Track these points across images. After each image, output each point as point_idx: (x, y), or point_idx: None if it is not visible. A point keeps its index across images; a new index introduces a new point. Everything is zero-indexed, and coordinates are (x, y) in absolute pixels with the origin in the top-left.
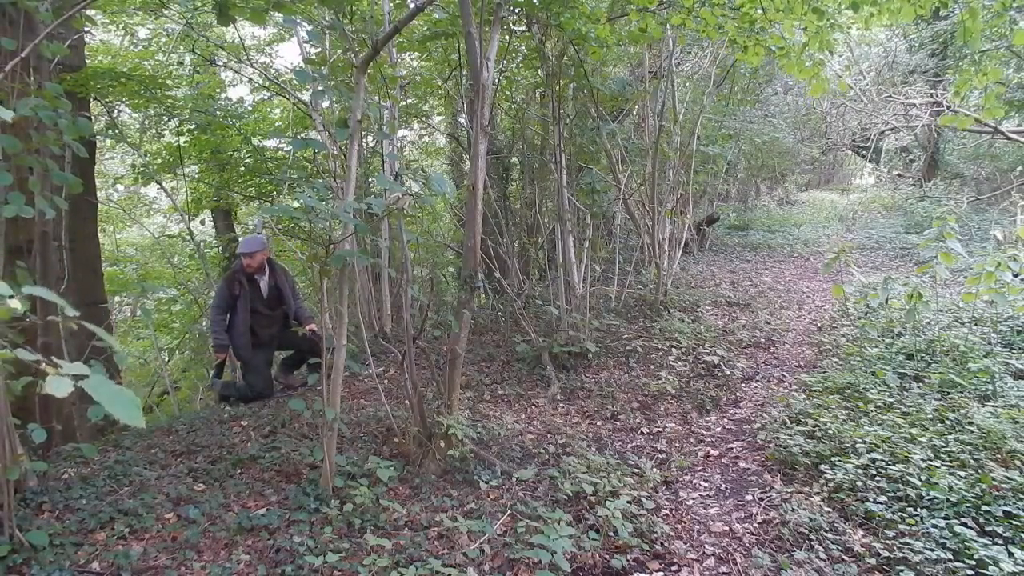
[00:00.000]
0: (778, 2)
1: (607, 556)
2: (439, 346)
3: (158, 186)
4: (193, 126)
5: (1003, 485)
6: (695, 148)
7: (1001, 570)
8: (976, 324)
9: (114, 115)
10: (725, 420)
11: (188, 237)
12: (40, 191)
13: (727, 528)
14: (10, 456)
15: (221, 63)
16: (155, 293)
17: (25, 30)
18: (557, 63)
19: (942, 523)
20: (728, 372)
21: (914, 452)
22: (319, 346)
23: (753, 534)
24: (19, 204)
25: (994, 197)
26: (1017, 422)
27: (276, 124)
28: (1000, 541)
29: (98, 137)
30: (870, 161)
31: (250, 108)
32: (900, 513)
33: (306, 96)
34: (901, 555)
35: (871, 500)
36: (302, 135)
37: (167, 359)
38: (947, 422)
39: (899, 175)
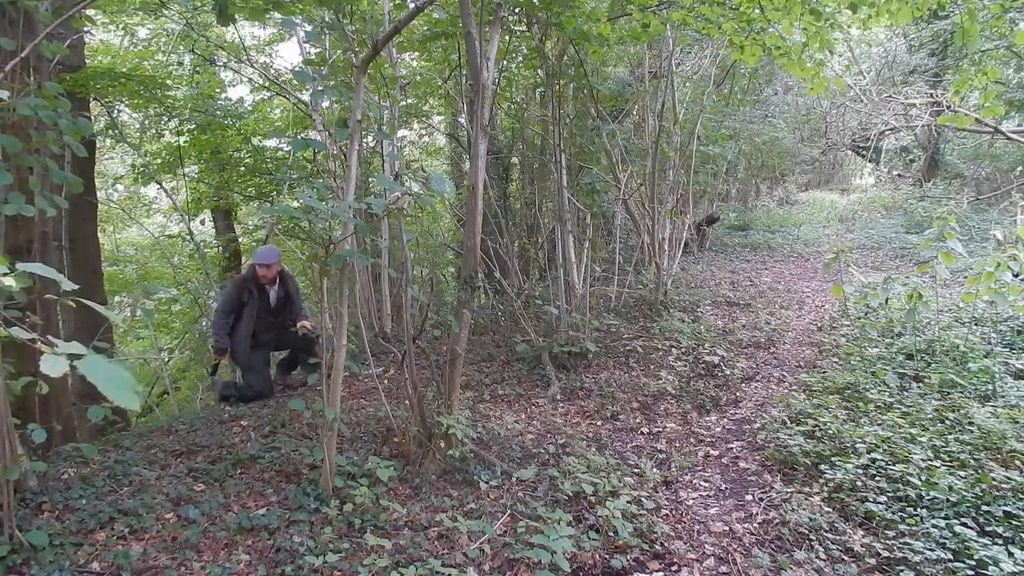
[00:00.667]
0: (776, 2)
1: (607, 556)
2: (439, 346)
3: (158, 186)
4: (193, 126)
5: (1003, 485)
6: (695, 148)
7: (1001, 570)
8: (976, 324)
9: (114, 115)
10: (725, 420)
11: (188, 237)
12: (40, 191)
13: (727, 528)
14: (10, 456)
15: (221, 63)
16: (155, 293)
17: (25, 30)
18: (557, 63)
19: (942, 523)
20: (728, 372)
21: (914, 452)
22: (314, 344)
23: (753, 534)
24: (19, 203)
25: (994, 197)
26: (1017, 422)
27: (276, 124)
28: (1000, 541)
29: (98, 137)
30: (870, 161)
31: (250, 108)
32: (900, 513)
33: (306, 96)
34: (901, 555)
35: (871, 500)
36: (302, 135)
37: (167, 359)
38: (947, 422)
39: (899, 175)
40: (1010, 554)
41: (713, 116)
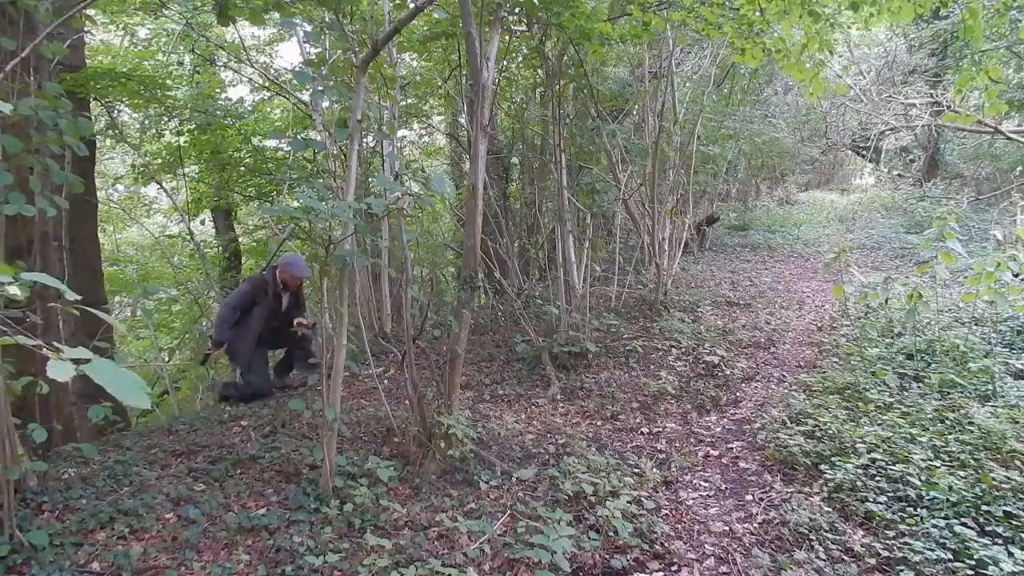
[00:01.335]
0: (776, 4)
1: (607, 556)
2: (439, 346)
3: (158, 186)
4: (193, 126)
5: (1003, 485)
6: (695, 148)
7: (1001, 570)
8: (976, 324)
9: (114, 115)
10: (725, 420)
11: (188, 237)
12: (40, 191)
13: (727, 528)
14: (10, 456)
15: (221, 63)
16: (155, 293)
17: (25, 30)
18: (557, 63)
19: (942, 523)
20: (728, 372)
21: (914, 452)
22: (310, 342)
23: (753, 534)
24: (20, 203)
25: (994, 197)
26: (1017, 422)
27: (276, 124)
28: (1000, 541)
29: (98, 137)
30: (870, 161)
31: (250, 108)
32: (900, 513)
33: (306, 96)
34: (901, 555)
35: (871, 500)
36: (302, 135)
37: (167, 359)
38: (947, 422)
39: (899, 175)
40: (1010, 554)
41: (713, 116)
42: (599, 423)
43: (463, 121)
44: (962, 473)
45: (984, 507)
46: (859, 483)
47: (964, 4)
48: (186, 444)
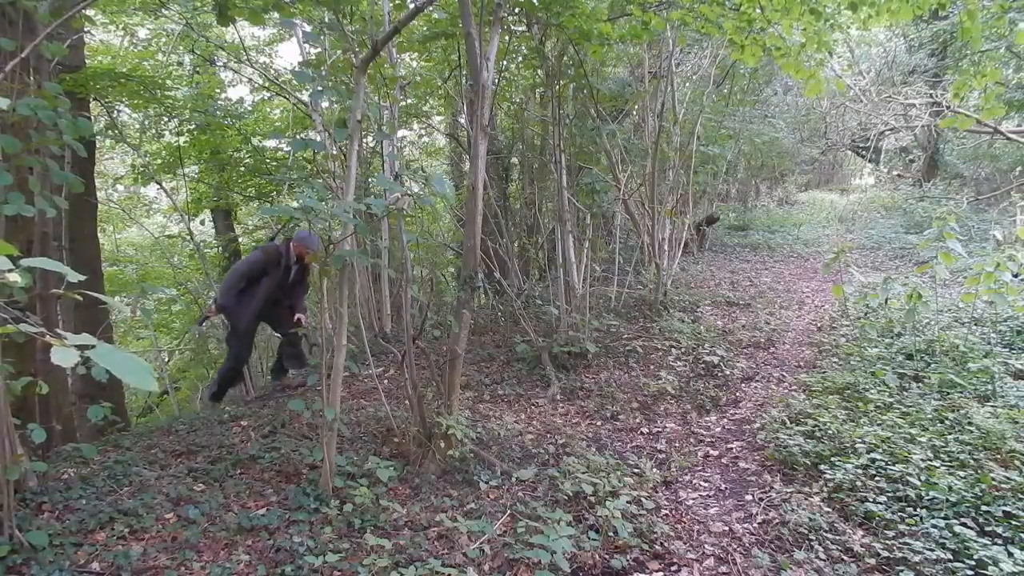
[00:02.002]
0: (776, 2)
1: (607, 556)
2: (439, 346)
3: (158, 186)
4: (193, 126)
5: (1003, 485)
6: (695, 148)
7: (1001, 570)
8: (976, 324)
9: (114, 115)
10: (725, 420)
11: (188, 237)
12: (40, 191)
13: (727, 528)
14: (10, 456)
15: (221, 63)
16: (155, 293)
17: (25, 30)
18: (557, 63)
19: (942, 523)
20: (728, 372)
21: (914, 452)
22: (299, 341)
23: (753, 534)
24: (19, 203)
25: (994, 197)
26: (1017, 422)
27: (276, 124)
28: (1000, 541)
29: (98, 137)
30: (870, 161)
31: (250, 108)
32: (900, 513)
33: (306, 96)
34: (901, 555)
35: (871, 500)
36: (302, 135)
37: (167, 359)
38: (947, 422)
39: (899, 175)
40: (1009, 554)
41: (713, 116)
42: (599, 423)
43: (463, 121)
44: (962, 473)
45: (984, 507)
46: (859, 483)
47: (963, 5)
48: (186, 444)
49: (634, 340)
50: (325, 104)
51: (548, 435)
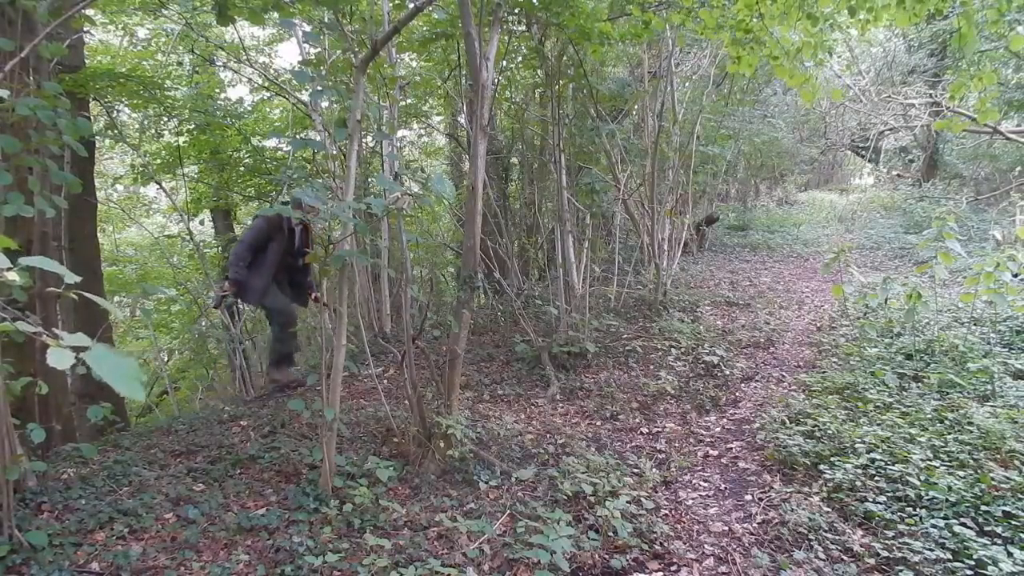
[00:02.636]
0: (774, 9)
1: (607, 556)
2: (439, 346)
3: (157, 186)
4: (192, 126)
5: (1002, 485)
6: (694, 148)
7: (1000, 570)
8: (975, 324)
9: (113, 115)
10: (724, 420)
11: (187, 237)
12: (40, 191)
13: (726, 528)
14: (9, 456)
15: (220, 63)
16: (154, 293)
17: (24, 30)
18: (556, 63)
19: (941, 523)
20: (727, 372)
21: (913, 452)
22: (293, 322)
23: (752, 534)
24: (19, 203)
25: (993, 197)
26: (1016, 422)
27: (275, 124)
28: (999, 541)
29: (97, 137)
30: (869, 161)
31: (249, 108)
32: (899, 513)
33: (305, 96)
34: (900, 555)
35: (870, 500)
36: (301, 135)
37: (166, 359)
38: (946, 422)
39: (898, 175)
40: (1009, 554)
41: (712, 116)
42: (598, 423)
43: (462, 121)
44: (961, 473)
45: (983, 507)
46: (858, 483)
47: (960, 8)
48: (185, 444)
49: (634, 340)
50: (325, 104)
51: (548, 435)
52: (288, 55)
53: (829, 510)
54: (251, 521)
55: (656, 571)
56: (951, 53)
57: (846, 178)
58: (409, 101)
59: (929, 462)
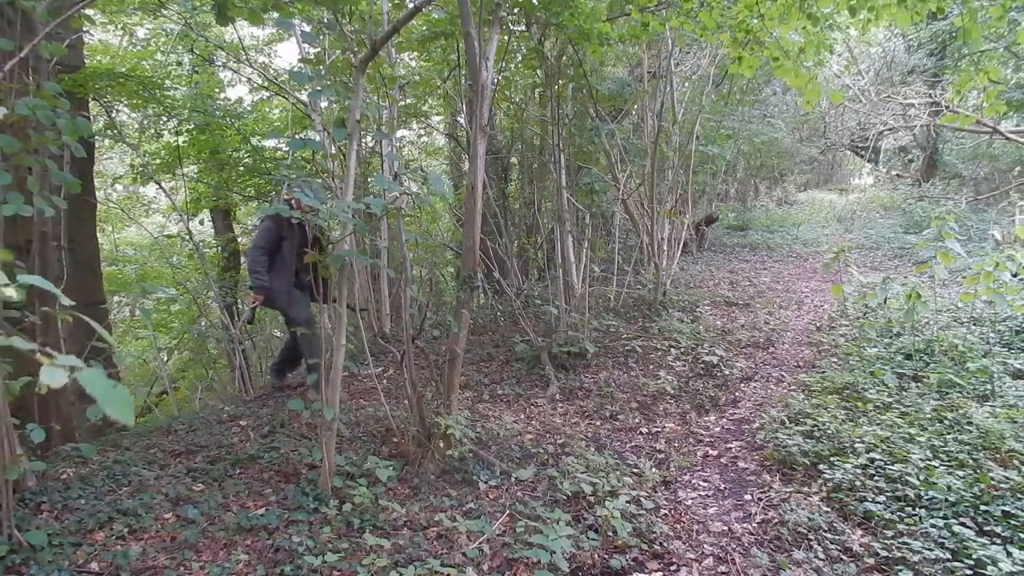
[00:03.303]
0: (774, 10)
1: (606, 556)
2: (438, 346)
3: (157, 186)
4: (192, 126)
5: (1001, 485)
6: (694, 148)
7: (999, 570)
8: (975, 324)
9: (113, 115)
10: (724, 420)
11: (187, 237)
12: (39, 191)
13: (726, 528)
14: (9, 456)
15: (220, 63)
16: (154, 293)
17: (23, 30)
18: (556, 63)
19: (941, 523)
20: (727, 372)
21: (913, 452)
22: (310, 337)
23: (752, 534)
24: (18, 203)
25: (992, 197)
26: (1015, 422)
27: (275, 124)
28: (998, 541)
29: (97, 137)
30: (869, 161)
31: (249, 108)
32: (899, 513)
33: (305, 96)
34: (900, 555)
35: (870, 500)
36: (300, 135)
37: (166, 359)
38: (946, 422)
39: (898, 175)
40: (1008, 554)
41: (712, 116)
42: (598, 423)
43: (462, 121)
44: (961, 473)
45: (983, 507)
46: (858, 483)
47: (962, 7)
48: (185, 444)
49: (633, 340)
50: (324, 104)
51: (547, 435)
52: (287, 55)
53: (828, 510)
54: (251, 521)
55: (655, 571)
56: (950, 53)
57: (845, 178)
58: (408, 101)
59: (928, 462)
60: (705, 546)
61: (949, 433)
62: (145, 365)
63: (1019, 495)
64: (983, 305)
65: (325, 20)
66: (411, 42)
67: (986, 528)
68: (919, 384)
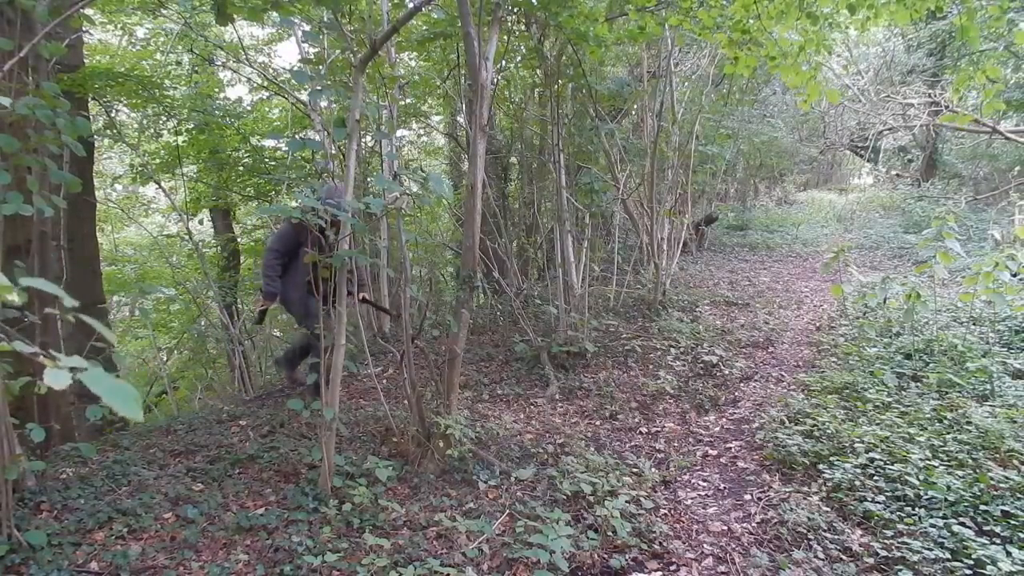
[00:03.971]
0: (771, 9)
1: (606, 556)
2: (438, 346)
3: (156, 186)
4: (191, 126)
5: (1001, 485)
6: (693, 148)
7: (999, 569)
8: (974, 324)
9: (112, 114)
10: (724, 420)
11: (187, 237)
12: (38, 190)
13: (725, 528)
14: (8, 456)
15: (219, 63)
16: (153, 293)
17: (23, 29)
18: (556, 63)
19: (940, 522)
20: (726, 372)
21: (912, 452)
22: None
23: (751, 534)
24: (17, 203)
25: (992, 197)
26: (1015, 422)
27: (275, 124)
28: (998, 540)
29: (96, 137)
30: (868, 161)
31: (248, 108)
32: (898, 512)
33: (304, 96)
34: (899, 554)
35: (869, 500)
36: (300, 135)
37: (166, 359)
38: (945, 422)
39: (897, 175)
40: (1008, 553)
41: (711, 116)
42: (598, 423)
43: (462, 121)
44: (960, 472)
45: (982, 506)
46: (857, 483)
47: (961, 7)
48: (184, 444)
49: (633, 340)
50: (324, 103)
51: (547, 435)
52: (287, 55)
53: (828, 509)
54: (250, 521)
55: (655, 571)
56: (950, 53)
57: (845, 178)
58: (408, 101)
59: (928, 462)
60: (705, 546)
61: (949, 433)
62: (144, 365)
63: (1018, 495)
64: (983, 305)
65: (325, 20)
66: (411, 42)
67: (985, 528)
68: (919, 384)
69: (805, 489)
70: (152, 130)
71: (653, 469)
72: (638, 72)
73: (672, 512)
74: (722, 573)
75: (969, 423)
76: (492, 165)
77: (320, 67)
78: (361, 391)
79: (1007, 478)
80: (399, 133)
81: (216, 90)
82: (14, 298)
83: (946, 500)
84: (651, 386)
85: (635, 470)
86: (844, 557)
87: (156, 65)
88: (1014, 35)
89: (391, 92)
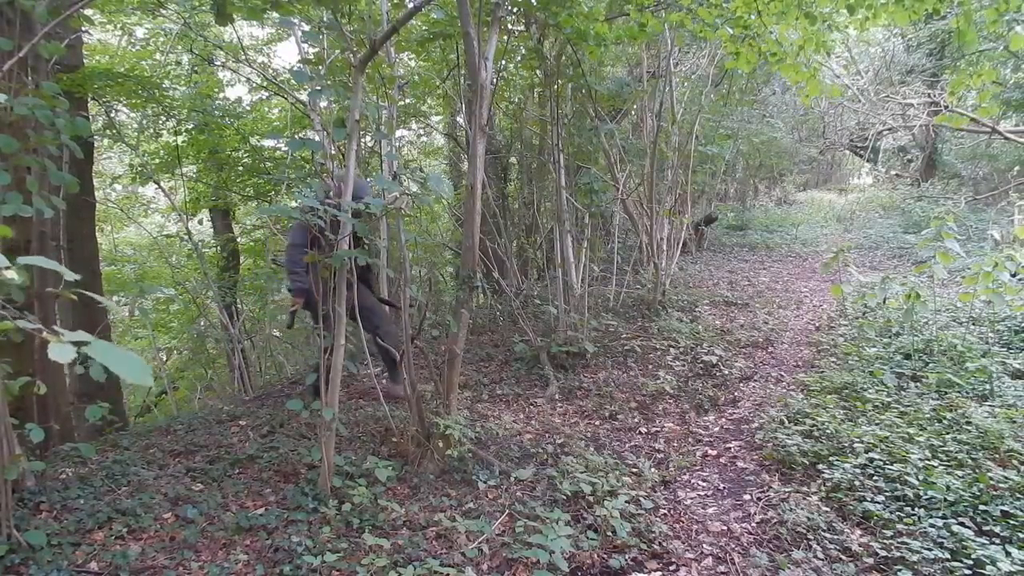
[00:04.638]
0: (772, 7)
1: (605, 556)
2: (437, 346)
3: (156, 186)
4: (191, 126)
5: (1001, 485)
6: (693, 148)
7: (999, 569)
8: (974, 324)
9: (112, 115)
10: (723, 420)
11: (186, 237)
12: (38, 191)
13: (725, 528)
14: (8, 456)
15: (219, 63)
16: (153, 293)
17: (23, 30)
18: (555, 63)
19: (940, 522)
20: (726, 372)
21: (912, 452)
22: (385, 322)
23: (751, 534)
24: (17, 203)
25: (992, 197)
26: (1015, 422)
27: (274, 124)
28: (998, 540)
29: (96, 137)
30: (868, 161)
31: (248, 108)
32: (898, 512)
33: (304, 96)
34: (899, 554)
35: (869, 499)
36: (300, 135)
37: (165, 359)
38: (945, 422)
39: (897, 175)
40: (1008, 553)
41: (711, 116)
42: (597, 423)
43: (461, 121)
44: (960, 472)
45: (982, 506)
46: (857, 483)
47: (958, 7)
48: (184, 444)
49: (632, 340)
50: (323, 104)
51: (546, 435)
52: (287, 55)
53: (828, 509)
54: (250, 521)
55: (655, 571)
56: (949, 53)
57: (845, 178)
58: (408, 101)
59: (927, 462)
60: (704, 546)
61: (948, 433)
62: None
63: (1018, 495)
64: (982, 305)
65: (325, 20)
66: (410, 42)
67: (985, 528)
68: (918, 384)
69: (804, 489)
70: (152, 130)
71: (653, 469)
72: (638, 72)
73: (672, 512)
74: (721, 573)
75: (969, 423)
76: (492, 165)
77: (320, 67)
78: (360, 391)
79: (1007, 478)
80: (399, 133)
81: (216, 90)
82: (13, 276)
83: (945, 500)
84: (651, 386)
85: (635, 470)
86: (843, 557)
87: (156, 65)
88: (1010, 38)
89: (390, 92)
